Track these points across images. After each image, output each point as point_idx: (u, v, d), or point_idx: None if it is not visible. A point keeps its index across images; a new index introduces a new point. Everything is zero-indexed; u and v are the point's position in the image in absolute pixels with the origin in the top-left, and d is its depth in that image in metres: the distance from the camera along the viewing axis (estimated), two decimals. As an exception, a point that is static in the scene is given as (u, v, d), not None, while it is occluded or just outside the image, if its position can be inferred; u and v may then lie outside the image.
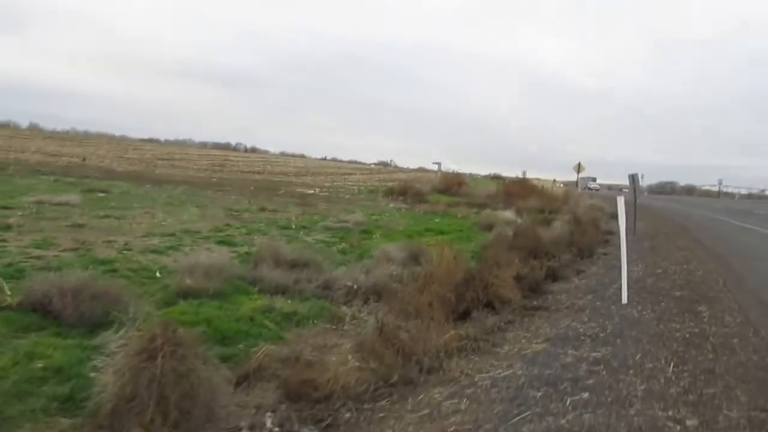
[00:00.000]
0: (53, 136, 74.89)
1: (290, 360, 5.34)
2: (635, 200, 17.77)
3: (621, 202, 7.51)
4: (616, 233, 19.63)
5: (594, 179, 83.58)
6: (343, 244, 12.18)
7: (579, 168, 58.80)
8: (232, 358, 5.09)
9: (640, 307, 6.93)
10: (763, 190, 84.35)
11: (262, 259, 8.97)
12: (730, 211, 33.89)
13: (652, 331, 5.68)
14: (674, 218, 26.63)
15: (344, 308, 7.24)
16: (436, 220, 18.85)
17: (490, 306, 7.44)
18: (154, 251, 9.56)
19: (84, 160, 31.09)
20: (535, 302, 8.06)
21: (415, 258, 10.73)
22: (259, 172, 38.81)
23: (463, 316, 7.15)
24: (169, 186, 22.26)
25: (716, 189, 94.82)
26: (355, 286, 7.87)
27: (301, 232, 13.50)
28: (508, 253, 11.53)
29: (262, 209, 17.42)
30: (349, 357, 5.21)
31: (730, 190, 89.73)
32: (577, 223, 17.22)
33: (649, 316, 6.38)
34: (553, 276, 10.36)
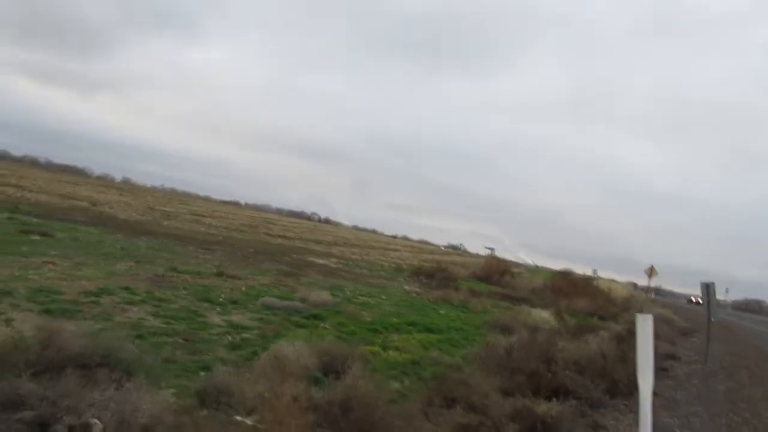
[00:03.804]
0: (121, 187, 76.43)
1: None
2: (709, 317, 13.06)
3: (645, 326, 3.42)
4: (681, 359, 14.77)
5: None
6: (249, 334, 8.33)
7: (651, 272, 52.97)
8: None
9: None
10: None
11: (26, 347, 5.28)
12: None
13: None
14: (760, 343, 21.14)
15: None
16: (440, 312, 14.68)
17: None
18: None
19: (94, 205, 28.97)
20: None
21: (333, 370, 6.80)
22: (286, 237, 35.70)
23: None
24: (145, 238, 19.22)
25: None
26: (99, 425, 3.99)
27: (218, 308, 9.78)
28: (486, 379, 7.39)
29: (220, 274, 13.85)
30: None
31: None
32: (623, 339, 12.64)
33: None
34: (547, 432, 6.12)
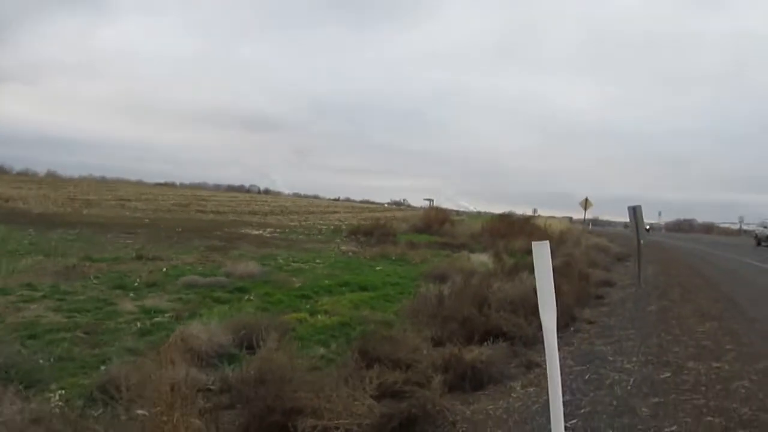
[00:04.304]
0: (42, 180, 72.76)
1: None
2: (638, 240, 13.20)
3: (542, 254, 3.06)
4: (617, 284, 15.01)
5: None
6: (162, 317, 7.76)
7: (586, 204, 54.42)
8: None
9: None
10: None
11: None
12: (760, 251, 29.02)
13: None
14: (692, 261, 21.89)
15: None
16: (377, 268, 14.37)
17: None
18: None
19: (6, 201, 27.20)
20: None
21: (248, 344, 6.34)
22: (220, 212, 34.62)
23: None
24: (61, 230, 18.05)
25: (737, 227, 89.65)
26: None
27: (131, 294, 9.12)
28: (417, 332, 7.09)
29: (139, 257, 13.07)
30: None
31: (752, 227, 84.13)
32: (558, 272, 12.60)
33: None
34: (478, 378, 5.85)
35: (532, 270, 11.44)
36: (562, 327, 8.61)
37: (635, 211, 12.95)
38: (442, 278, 12.51)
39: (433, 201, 51.44)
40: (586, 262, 17.61)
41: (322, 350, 6.69)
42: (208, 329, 6.22)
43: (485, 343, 6.95)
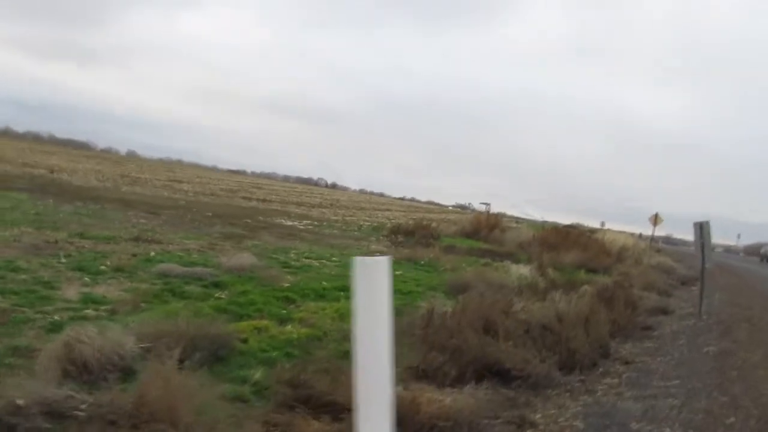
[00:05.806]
0: (109, 157, 75.07)
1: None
2: (703, 262, 11.10)
3: (374, 278, 1.09)
4: (674, 313, 12.89)
5: None
6: (95, 310, 6.51)
7: (656, 219, 50.91)
8: None
9: None
10: None
11: None
12: None
13: None
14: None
15: None
16: (396, 273, 12.82)
17: None
18: None
19: (51, 172, 27.20)
20: None
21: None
22: (266, 201, 33.80)
23: None
24: (80, 203, 17.41)
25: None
26: None
27: (87, 278, 7.96)
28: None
29: (137, 239, 12.03)
30: None
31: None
32: (604, 294, 10.67)
33: None
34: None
35: (569, 288, 9.22)
36: (588, 366, 6.86)
37: (701, 228, 10.88)
38: (462, 289, 10.85)
39: (489, 205, 49.29)
40: (642, 284, 15.52)
41: (258, 374, 5.22)
42: (104, 335, 4.87)
43: (479, 383, 5.42)
